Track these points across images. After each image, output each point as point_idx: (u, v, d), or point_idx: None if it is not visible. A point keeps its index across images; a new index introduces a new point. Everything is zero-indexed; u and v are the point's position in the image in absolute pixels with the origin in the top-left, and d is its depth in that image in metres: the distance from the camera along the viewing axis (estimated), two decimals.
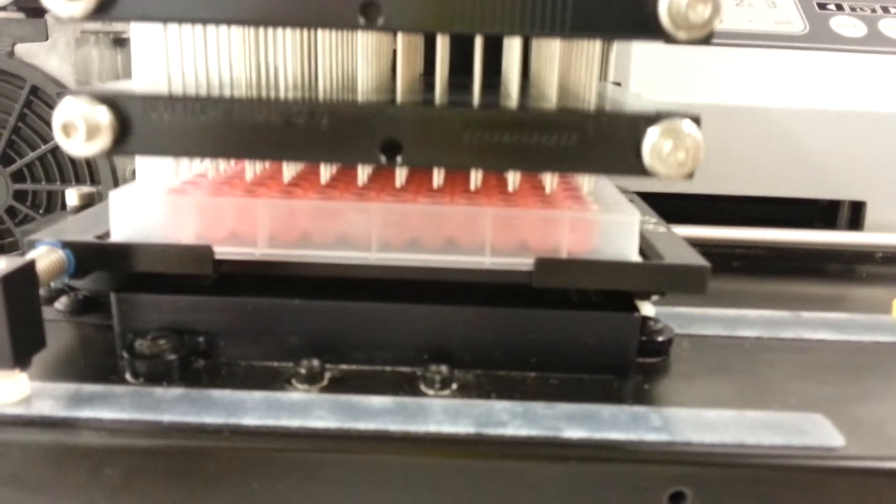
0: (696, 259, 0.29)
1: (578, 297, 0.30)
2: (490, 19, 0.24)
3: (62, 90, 0.25)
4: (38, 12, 0.65)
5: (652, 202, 0.40)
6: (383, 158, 0.26)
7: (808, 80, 0.48)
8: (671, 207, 0.43)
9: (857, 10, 0.52)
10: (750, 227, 0.46)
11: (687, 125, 0.25)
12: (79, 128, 0.25)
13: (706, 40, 0.24)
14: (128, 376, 0.27)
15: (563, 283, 0.28)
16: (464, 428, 0.24)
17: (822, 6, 0.52)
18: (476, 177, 0.29)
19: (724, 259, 0.45)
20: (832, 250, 0.46)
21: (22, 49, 0.65)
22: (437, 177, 0.29)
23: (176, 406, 0.25)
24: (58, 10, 0.24)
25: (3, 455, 0.24)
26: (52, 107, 0.68)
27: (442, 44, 0.28)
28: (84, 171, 0.66)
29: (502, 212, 0.28)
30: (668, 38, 0.24)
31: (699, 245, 0.47)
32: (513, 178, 0.29)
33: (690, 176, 0.25)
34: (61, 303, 0.33)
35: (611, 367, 0.28)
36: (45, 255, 0.26)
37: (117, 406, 0.25)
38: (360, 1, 0.24)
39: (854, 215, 0.48)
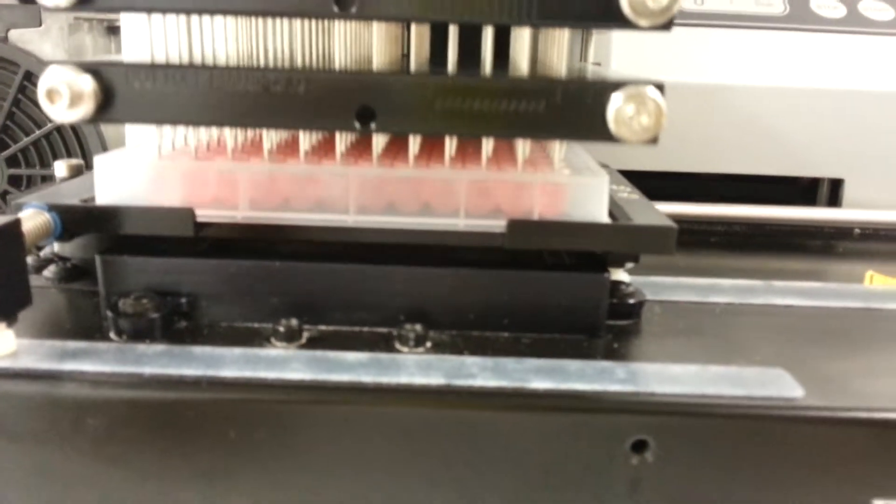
0: (664, 221, 0.29)
1: (552, 261, 0.31)
2: (463, 9, 0.25)
3: (49, 62, 0.26)
4: None
5: (638, 180, 0.41)
6: (357, 125, 0.27)
7: (789, 60, 0.49)
8: (656, 186, 0.44)
9: None
10: (730, 203, 0.47)
11: (650, 91, 0.25)
12: (62, 94, 0.26)
13: (667, 26, 0.25)
14: (112, 335, 0.28)
15: (534, 244, 0.29)
16: (434, 380, 0.25)
17: None
18: (450, 144, 0.30)
19: (704, 235, 0.46)
20: (811, 227, 0.47)
21: (15, 35, 0.66)
22: (413, 144, 0.30)
23: (157, 360, 0.26)
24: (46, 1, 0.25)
25: None
26: None
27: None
28: (78, 154, 0.67)
29: (476, 176, 0.29)
30: (631, 25, 0.25)
31: (680, 221, 0.47)
32: (486, 146, 0.30)
33: (655, 141, 0.26)
34: (50, 271, 0.34)
35: (581, 326, 0.29)
36: (32, 217, 0.27)
37: (100, 360, 0.26)
38: None
39: (833, 193, 0.49)
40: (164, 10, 0.26)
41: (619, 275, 0.32)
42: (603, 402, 0.25)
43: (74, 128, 0.69)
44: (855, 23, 0.51)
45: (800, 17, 0.51)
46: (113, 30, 0.76)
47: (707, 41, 0.50)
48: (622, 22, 0.25)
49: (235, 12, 0.27)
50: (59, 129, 0.68)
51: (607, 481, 0.25)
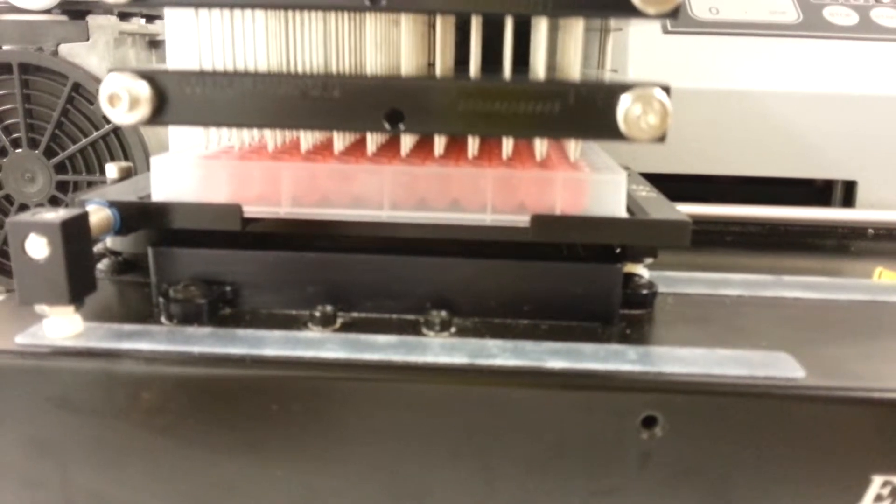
0: (679, 216, 0.31)
1: (569, 252, 0.33)
2: (485, 1, 0.28)
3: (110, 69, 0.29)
4: (81, 14, 0.69)
5: (658, 183, 0.42)
6: (388, 126, 0.29)
7: (803, 66, 0.51)
8: (676, 188, 0.46)
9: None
10: (746, 204, 0.49)
11: (657, 92, 0.27)
12: (122, 98, 0.28)
13: (674, 14, 0.27)
14: (163, 319, 0.30)
15: (557, 237, 0.31)
16: (458, 359, 0.27)
17: None
18: (474, 143, 0.32)
19: (721, 235, 0.48)
20: (826, 227, 0.48)
21: (65, 49, 0.69)
22: (439, 144, 0.32)
23: (205, 341, 0.28)
24: None
25: (56, 381, 0.27)
26: (92, 102, 0.72)
27: (444, 28, 0.31)
28: (122, 160, 0.70)
29: (502, 173, 0.31)
30: (639, 14, 0.27)
31: (699, 222, 0.49)
32: (507, 145, 0.32)
33: (662, 139, 0.28)
34: (103, 265, 0.36)
35: (596, 314, 0.31)
36: (95, 213, 0.30)
37: (154, 340, 0.28)
38: None
39: (847, 194, 0.50)
40: (208, 5, 0.29)
41: (638, 269, 0.34)
42: (614, 381, 0.27)
43: (118, 136, 0.72)
44: (867, 29, 0.52)
45: (813, 24, 0.52)
46: (154, 44, 0.80)
47: (723, 49, 0.52)
48: (631, 10, 0.26)
49: (274, 6, 0.29)
50: (104, 137, 0.72)
51: (619, 455, 0.26)
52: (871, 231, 0.48)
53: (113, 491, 0.28)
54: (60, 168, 0.72)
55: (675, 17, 0.27)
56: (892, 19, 0.53)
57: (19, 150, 0.72)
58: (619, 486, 0.27)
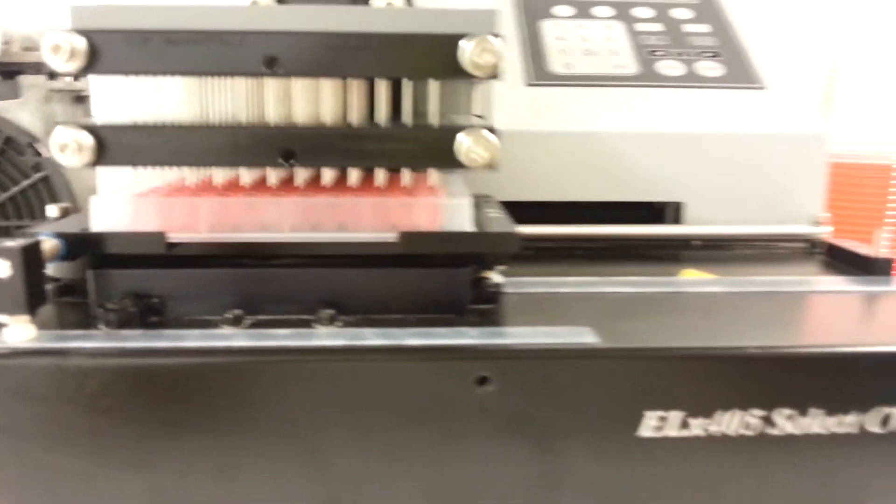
0: (511, 229, 0.40)
1: (431, 261, 0.41)
2: (356, 68, 0.37)
3: (33, 138, 0.37)
4: (12, 74, 0.76)
5: (525, 209, 0.51)
6: (282, 162, 0.37)
7: (640, 110, 0.62)
8: (543, 212, 0.55)
9: (680, 55, 0.66)
10: (596, 224, 0.59)
11: (486, 133, 0.37)
12: (70, 146, 0.36)
13: (495, 76, 0.37)
14: (101, 326, 0.37)
15: (421, 249, 0.39)
16: (339, 342, 0.35)
17: (652, 52, 0.66)
18: (353, 174, 0.41)
19: (572, 250, 0.57)
20: (660, 241, 0.59)
21: None
22: (326, 176, 0.41)
23: (137, 339, 0.36)
24: (57, 67, 0.36)
25: (17, 376, 0.34)
26: (22, 154, 0.78)
27: (328, 85, 0.40)
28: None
29: (377, 200, 0.40)
30: (471, 77, 0.36)
31: (556, 240, 0.59)
32: (379, 176, 0.41)
33: (494, 168, 0.37)
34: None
35: (451, 307, 0.40)
36: (45, 242, 0.37)
37: (95, 340, 0.35)
38: (263, 56, 0.36)
39: (677, 214, 0.61)
40: (141, 73, 0.37)
41: (491, 274, 0.43)
42: (455, 351, 0.35)
43: (47, 184, 0.78)
44: (692, 80, 0.64)
45: (649, 76, 0.64)
46: (79, 98, 0.86)
47: (576, 97, 0.62)
48: (466, 75, 0.36)
49: (192, 73, 0.37)
50: (33, 185, 0.78)
51: (461, 407, 0.35)
52: (696, 242, 0.59)
53: (62, 463, 0.35)
54: None
55: (498, 78, 0.37)
56: (712, 71, 0.65)
57: None
58: (464, 431, 0.35)
